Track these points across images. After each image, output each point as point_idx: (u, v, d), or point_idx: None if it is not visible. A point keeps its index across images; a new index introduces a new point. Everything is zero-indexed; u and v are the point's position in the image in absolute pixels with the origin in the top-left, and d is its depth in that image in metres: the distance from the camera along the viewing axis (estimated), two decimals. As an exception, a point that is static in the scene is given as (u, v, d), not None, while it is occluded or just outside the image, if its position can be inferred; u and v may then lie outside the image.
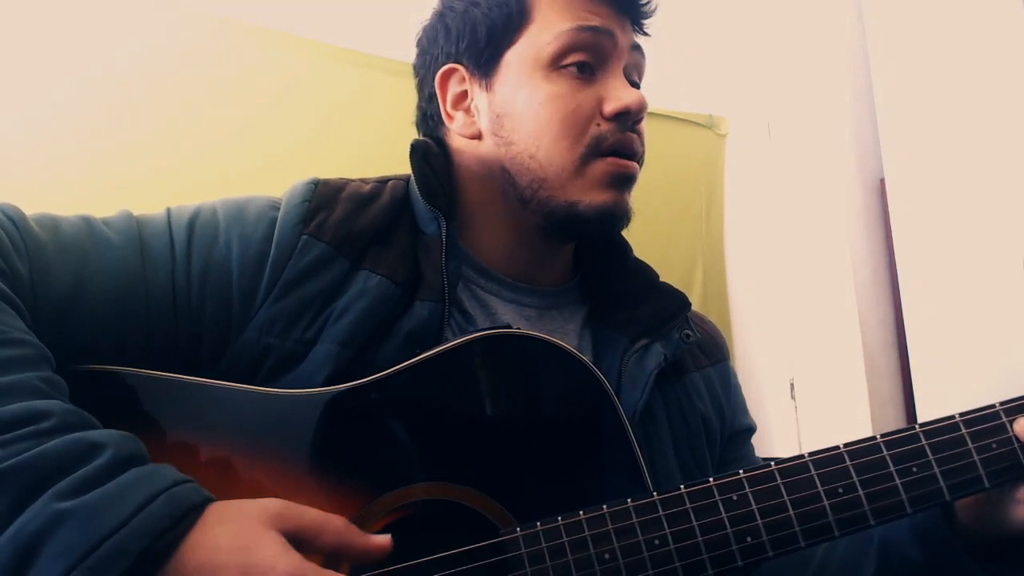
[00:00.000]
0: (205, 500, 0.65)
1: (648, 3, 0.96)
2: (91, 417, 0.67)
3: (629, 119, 0.91)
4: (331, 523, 0.68)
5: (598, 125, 0.90)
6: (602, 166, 0.91)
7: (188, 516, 0.63)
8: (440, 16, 0.99)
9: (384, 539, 0.69)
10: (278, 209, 0.88)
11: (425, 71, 1.00)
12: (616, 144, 0.91)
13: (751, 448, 1.07)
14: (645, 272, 1.03)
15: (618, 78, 0.93)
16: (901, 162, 2.41)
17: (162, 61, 1.82)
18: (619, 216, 0.93)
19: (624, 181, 0.92)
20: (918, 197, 2.35)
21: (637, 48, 0.96)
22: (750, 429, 1.07)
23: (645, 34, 0.98)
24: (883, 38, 2.49)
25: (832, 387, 2.52)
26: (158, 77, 1.81)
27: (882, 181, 2.55)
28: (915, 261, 2.36)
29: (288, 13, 1.99)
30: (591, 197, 0.90)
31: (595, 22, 0.91)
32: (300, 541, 0.65)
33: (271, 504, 0.67)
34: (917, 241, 2.35)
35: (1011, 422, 0.75)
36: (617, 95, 0.91)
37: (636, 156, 0.93)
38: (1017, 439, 0.75)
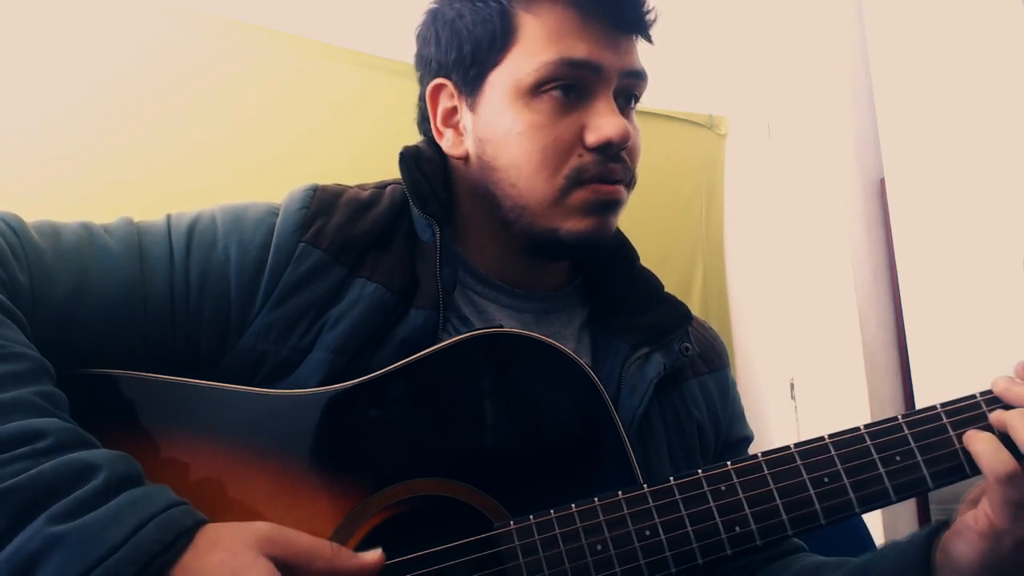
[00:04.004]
0: (197, 523, 0.65)
1: (648, 11, 0.91)
2: (87, 435, 0.68)
3: (612, 149, 0.87)
4: (321, 549, 0.67)
5: (580, 156, 0.87)
6: (583, 194, 0.88)
7: (179, 540, 0.63)
8: (432, 18, 0.96)
9: (374, 555, 0.69)
10: (276, 215, 0.88)
11: (421, 71, 0.99)
12: (597, 174, 0.88)
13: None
14: (650, 280, 1.02)
15: (604, 103, 0.88)
16: (901, 162, 2.42)
17: (162, 61, 1.83)
18: (601, 241, 0.91)
19: (606, 207, 0.90)
20: (918, 197, 2.36)
21: (634, 74, 0.91)
22: (747, 439, 1.07)
23: (650, 42, 0.94)
24: (883, 38, 2.49)
25: (832, 387, 2.52)
26: (158, 77, 1.82)
27: (882, 181, 2.55)
28: (915, 261, 2.36)
29: (288, 13, 2.00)
30: (571, 224, 0.88)
31: (580, 54, 0.86)
32: (291, 568, 0.65)
33: (262, 529, 0.66)
34: (917, 241, 2.36)
35: (990, 412, 0.76)
36: (599, 124, 0.87)
37: (621, 183, 0.90)
38: (994, 429, 0.75)
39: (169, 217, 0.87)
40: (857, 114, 2.59)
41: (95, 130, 1.73)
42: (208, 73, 1.88)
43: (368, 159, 1.61)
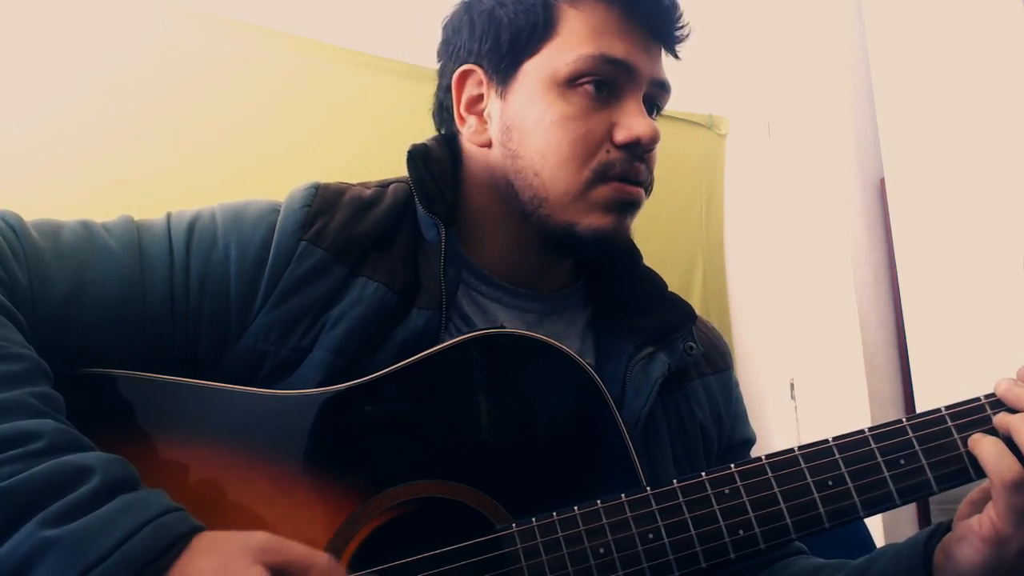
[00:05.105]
0: (192, 530, 0.64)
1: (682, 28, 0.93)
2: (82, 437, 0.67)
3: (640, 149, 0.89)
4: (318, 560, 0.67)
5: (607, 152, 0.88)
6: (606, 191, 0.89)
7: (174, 547, 0.62)
8: (467, 7, 0.96)
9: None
10: (278, 213, 0.88)
11: (446, 60, 0.98)
12: (623, 172, 0.89)
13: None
14: (654, 280, 1.02)
15: (635, 104, 0.90)
16: (901, 162, 2.41)
17: (163, 61, 1.83)
18: (617, 241, 0.92)
19: (627, 206, 0.91)
20: (918, 197, 2.35)
21: (660, 84, 0.93)
22: (749, 441, 1.07)
23: (676, 57, 0.95)
24: (883, 38, 2.49)
25: (832, 387, 2.52)
26: (159, 77, 1.82)
27: (882, 181, 2.55)
28: (915, 261, 2.36)
29: (288, 13, 2.00)
30: (591, 220, 0.89)
31: (619, 53, 0.88)
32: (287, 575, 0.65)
33: (258, 537, 0.66)
34: (917, 241, 2.35)
35: (995, 415, 0.76)
36: (629, 123, 0.88)
37: (643, 184, 0.92)
38: (998, 432, 0.75)
39: (169, 215, 0.87)
40: (857, 114, 2.59)
41: (95, 130, 1.73)
42: (208, 73, 1.88)
43: (368, 159, 1.61)
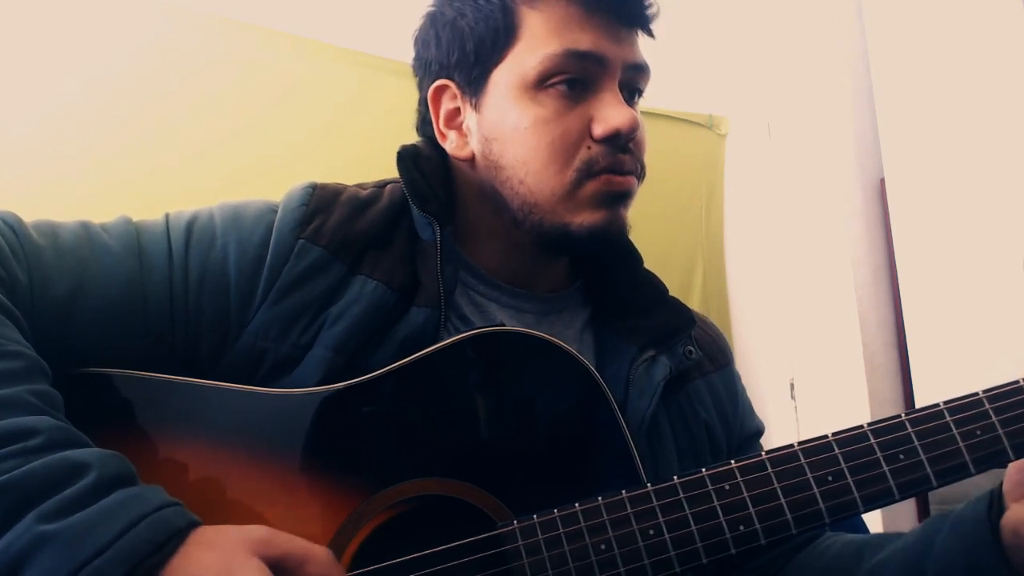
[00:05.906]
0: (189, 524, 0.64)
1: (650, 6, 0.91)
2: (80, 434, 0.67)
3: (621, 140, 0.87)
4: (315, 554, 0.67)
5: (588, 148, 0.87)
6: (594, 186, 0.87)
7: (171, 541, 0.62)
8: (432, 20, 0.95)
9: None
10: (275, 212, 0.88)
11: (421, 74, 0.98)
12: (608, 165, 0.87)
13: (761, 450, 1.06)
14: (654, 283, 1.01)
15: (610, 95, 0.88)
16: (901, 162, 2.42)
17: (162, 61, 1.83)
18: (614, 234, 0.91)
19: (618, 198, 0.89)
20: (918, 197, 2.36)
21: (636, 67, 0.91)
22: (759, 432, 1.07)
23: (651, 36, 0.93)
24: (883, 38, 2.49)
25: (832, 387, 2.52)
26: (159, 77, 1.82)
27: (882, 181, 2.55)
28: (915, 261, 2.36)
29: (288, 13, 2.01)
30: (583, 218, 0.88)
31: (584, 46, 0.86)
32: (284, 570, 0.64)
33: (255, 531, 0.66)
34: (917, 241, 2.36)
35: (994, 410, 0.75)
36: (606, 115, 0.86)
37: (631, 173, 0.90)
38: None
39: (167, 216, 0.87)
40: (857, 114, 2.59)
41: (95, 130, 1.73)
42: (208, 73, 1.88)
43: (368, 159, 1.61)
